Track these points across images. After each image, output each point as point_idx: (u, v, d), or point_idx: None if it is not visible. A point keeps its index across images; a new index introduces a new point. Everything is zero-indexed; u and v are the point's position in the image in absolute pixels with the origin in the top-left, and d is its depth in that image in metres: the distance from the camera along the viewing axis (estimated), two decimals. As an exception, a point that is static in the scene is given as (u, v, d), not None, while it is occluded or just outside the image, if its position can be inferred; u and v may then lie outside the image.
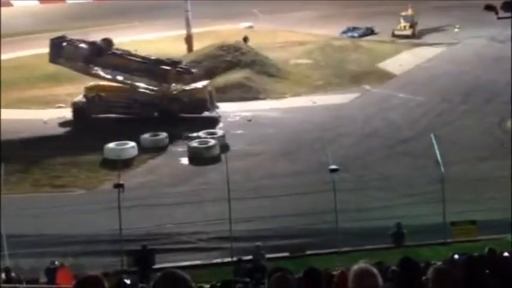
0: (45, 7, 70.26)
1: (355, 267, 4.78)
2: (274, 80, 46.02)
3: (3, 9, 66.07)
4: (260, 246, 22.76)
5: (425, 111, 39.10)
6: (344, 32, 56.71)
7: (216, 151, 33.85)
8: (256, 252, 22.54)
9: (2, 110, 40.61)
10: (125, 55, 40.69)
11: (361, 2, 61.35)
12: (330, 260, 20.72)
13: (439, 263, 14.68)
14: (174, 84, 39.79)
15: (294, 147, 34.54)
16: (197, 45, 51.43)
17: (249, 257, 22.57)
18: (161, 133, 36.54)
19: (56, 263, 21.66)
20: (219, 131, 36.54)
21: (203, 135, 35.56)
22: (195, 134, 35.39)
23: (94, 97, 39.42)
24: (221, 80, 45.19)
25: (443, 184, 24.19)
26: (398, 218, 24.24)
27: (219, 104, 40.61)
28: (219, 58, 47.35)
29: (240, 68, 46.39)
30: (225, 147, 34.04)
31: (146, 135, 36.00)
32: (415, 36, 54.82)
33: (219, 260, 24.11)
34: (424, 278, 8.04)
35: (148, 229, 26.05)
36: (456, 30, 53.30)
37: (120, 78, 39.71)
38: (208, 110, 39.46)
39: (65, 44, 40.71)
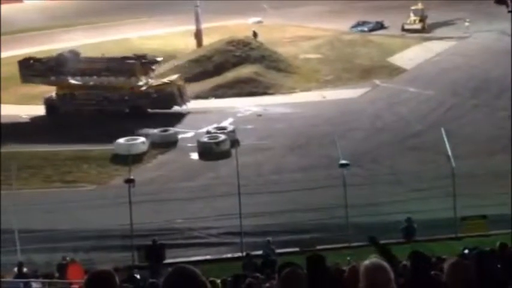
0: (55, 3, 70.35)
1: (367, 262, 4.76)
2: (283, 75, 46.00)
3: (14, 5, 66.38)
4: (270, 241, 22.76)
5: (435, 105, 38.98)
6: (354, 27, 56.58)
7: (226, 146, 33.88)
8: (266, 247, 22.54)
9: (10, 106, 41.20)
10: (92, 60, 41.67)
11: (370, -4, 61.21)
12: (341, 255, 20.68)
13: (450, 258, 14.65)
14: (142, 77, 40.36)
15: (304, 142, 34.52)
16: (206, 40, 51.46)
17: (259, 252, 22.56)
18: (170, 128, 36.74)
19: (67, 258, 21.72)
20: (229, 126, 36.59)
21: (213, 130, 35.67)
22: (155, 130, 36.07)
23: (65, 94, 40.40)
24: (230, 75, 45.23)
25: (453, 178, 24.09)
26: (409, 213, 24.16)
27: (223, 100, 41.02)
28: (229, 53, 47.39)
29: (249, 63, 46.41)
30: (235, 142, 34.04)
31: (155, 131, 36.15)
32: (425, 30, 54.62)
33: (229, 255, 24.12)
34: (433, 272, 8.01)
35: (159, 224, 26.09)
36: (466, 24, 53.04)
37: (90, 82, 40.40)
38: (178, 104, 39.86)
39: (32, 62, 41.85)
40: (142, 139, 34.76)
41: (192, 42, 51.83)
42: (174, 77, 41.65)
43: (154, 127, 36.58)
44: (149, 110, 39.70)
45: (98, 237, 25.12)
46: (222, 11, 58.25)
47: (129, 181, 24.63)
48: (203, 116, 39.61)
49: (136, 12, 62.90)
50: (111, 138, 34.86)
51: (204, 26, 52.44)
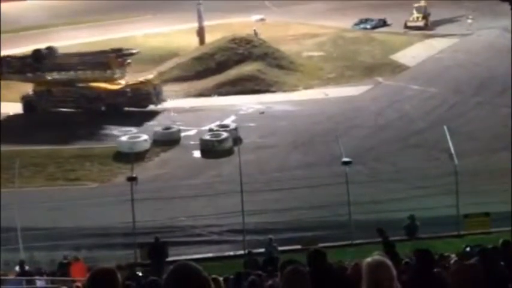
0: (59, 2, 70.30)
1: (369, 259, 4.75)
2: (286, 73, 45.96)
3: (18, 3, 66.44)
4: (273, 239, 22.74)
5: (438, 102, 38.93)
6: (356, 24, 56.53)
7: (229, 144, 33.86)
8: (268, 245, 22.53)
9: (14, 103, 41.37)
10: (68, 55, 42.04)
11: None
12: (343, 253, 20.68)
13: (453, 255, 14.63)
14: (117, 70, 40.68)
15: (307, 140, 34.50)
16: (209, 38, 51.44)
17: (262, 250, 22.55)
18: (173, 126, 36.81)
19: (68, 257, 21.72)
20: (231, 124, 36.59)
21: (216, 128, 35.69)
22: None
23: (43, 92, 40.74)
24: (233, 72, 45.21)
25: (456, 176, 24.06)
26: (412, 210, 24.13)
27: (227, 97, 41.12)
28: (231, 51, 47.37)
29: (252, 60, 46.39)
30: (237, 140, 34.04)
31: (158, 129, 36.24)
32: (428, 27, 54.56)
33: (231, 253, 24.12)
34: (436, 269, 8.00)
35: (161, 222, 26.09)
36: (469, 21, 52.96)
37: (66, 77, 40.74)
38: (153, 103, 40.20)
39: (9, 59, 42.17)
40: (144, 137, 34.83)
41: (194, 40, 51.83)
42: (150, 76, 42.19)
43: (130, 125, 37.39)
44: (125, 109, 40.05)
45: (100, 235, 25.14)
46: (225, 8, 58.21)
47: (132, 179, 24.63)
48: (205, 113, 39.61)
49: (140, 10, 62.90)
50: (90, 136, 35.90)
51: (206, 23, 52.44)
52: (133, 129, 37.23)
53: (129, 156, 28.27)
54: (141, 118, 39.01)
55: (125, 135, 35.37)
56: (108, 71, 40.26)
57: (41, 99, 40.60)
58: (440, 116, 36.06)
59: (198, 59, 47.71)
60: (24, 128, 37.85)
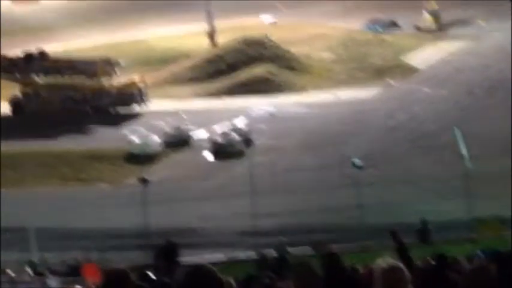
0: (71, 3, 70.51)
1: (383, 263, 4.72)
2: (296, 74, 45.95)
3: (31, 3, 66.79)
4: (284, 241, 22.69)
5: (449, 105, 38.79)
6: (367, 26, 56.40)
7: (240, 146, 33.86)
8: (280, 247, 22.47)
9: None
10: (57, 59, 43.06)
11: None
12: (354, 256, 20.59)
13: (465, 260, 14.53)
14: (103, 78, 41.55)
15: (317, 142, 34.45)
16: (220, 39, 51.46)
17: (273, 252, 22.50)
18: (184, 128, 36.86)
19: (79, 259, 21.73)
20: (242, 126, 36.59)
21: (227, 130, 35.73)
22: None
23: (30, 94, 41.75)
24: (244, 74, 45.23)
25: (468, 179, 23.92)
26: (423, 214, 24.00)
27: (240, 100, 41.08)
28: (242, 52, 47.42)
29: (262, 62, 46.40)
30: (248, 142, 34.04)
31: (169, 130, 36.30)
32: (439, 29, 54.40)
33: (243, 255, 24.08)
34: (450, 274, 7.95)
35: (173, 223, 26.08)
36: (480, 23, 52.77)
37: (53, 80, 41.85)
38: (137, 104, 41.05)
39: (1, 59, 43.00)
40: (156, 138, 34.89)
41: (205, 42, 51.88)
42: (135, 77, 42.67)
43: (115, 125, 38.02)
44: (110, 110, 40.76)
45: (112, 236, 25.15)
46: (236, 10, 58.15)
47: (143, 180, 24.66)
48: (216, 115, 39.61)
49: (152, 12, 62.95)
50: (77, 136, 36.60)
51: (218, 25, 52.46)
52: (117, 129, 37.61)
53: (141, 158, 28.35)
54: (125, 118, 39.67)
55: (136, 137, 35.40)
56: (94, 78, 41.25)
57: (28, 101, 41.47)
58: (452, 118, 35.91)
59: (209, 60, 47.79)
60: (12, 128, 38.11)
